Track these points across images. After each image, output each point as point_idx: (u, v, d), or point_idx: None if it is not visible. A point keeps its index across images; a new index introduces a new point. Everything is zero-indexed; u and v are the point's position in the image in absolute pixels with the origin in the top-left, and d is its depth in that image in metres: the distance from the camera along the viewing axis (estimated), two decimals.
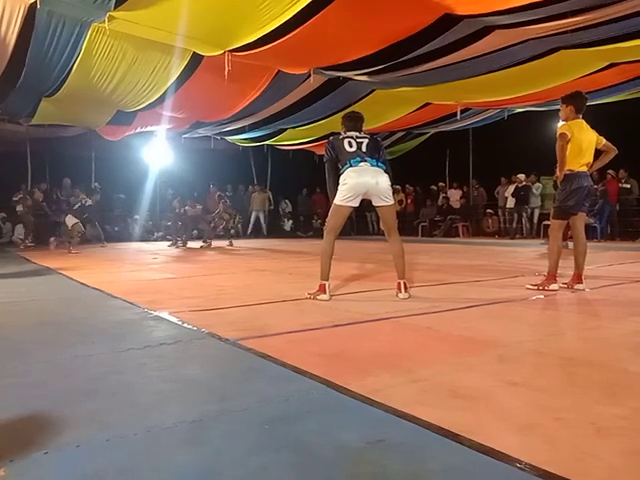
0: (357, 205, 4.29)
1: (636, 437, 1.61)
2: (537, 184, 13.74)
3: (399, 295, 4.23)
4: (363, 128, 4.54)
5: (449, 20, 6.23)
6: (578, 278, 4.72)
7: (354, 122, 4.52)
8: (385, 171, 4.28)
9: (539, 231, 13.23)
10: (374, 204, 4.31)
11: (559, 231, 4.81)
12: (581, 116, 4.77)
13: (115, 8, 5.95)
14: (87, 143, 14.03)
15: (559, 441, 1.58)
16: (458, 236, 14.78)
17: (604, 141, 4.74)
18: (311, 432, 1.66)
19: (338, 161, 4.34)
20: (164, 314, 3.61)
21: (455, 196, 15.72)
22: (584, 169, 4.67)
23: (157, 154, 14.56)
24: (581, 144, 4.62)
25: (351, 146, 4.28)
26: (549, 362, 2.46)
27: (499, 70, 8.31)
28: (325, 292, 4.23)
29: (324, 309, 3.83)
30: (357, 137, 4.35)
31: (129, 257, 9.56)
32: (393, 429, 1.68)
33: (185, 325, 3.26)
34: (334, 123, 12.26)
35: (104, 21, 6.23)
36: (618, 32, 6.64)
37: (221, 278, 5.99)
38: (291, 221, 17.79)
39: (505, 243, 12.05)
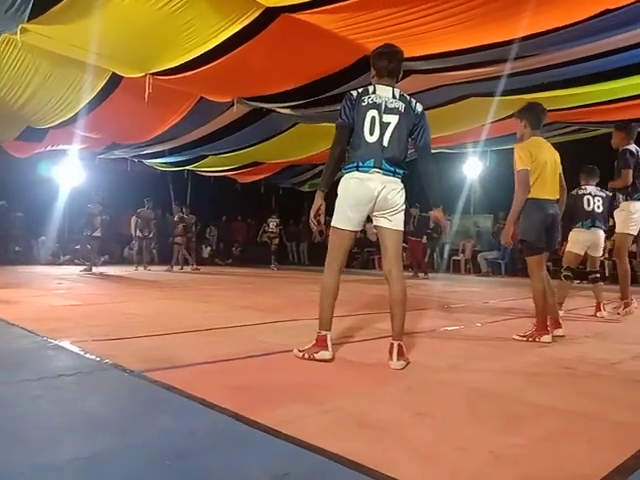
0: (360, 229, 3.16)
1: (530, 463, 1.70)
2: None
3: (390, 363, 2.93)
4: (400, 73, 3.12)
5: (369, 62, 6.50)
6: (556, 323, 4.16)
7: (389, 62, 3.02)
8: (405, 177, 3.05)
9: (449, 266, 14.89)
10: (375, 224, 3.12)
11: (538, 269, 4.00)
12: (539, 133, 4.05)
13: (29, 20, 5.69)
14: None
15: (460, 470, 1.63)
16: (374, 268, 15.15)
17: (559, 174, 4.09)
18: (215, 467, 1.60)
19: (352, 131, 3.00)
20: (65, 343, 3.39)
21: (372, 229, 16.17)
22: (549, 197, 3.93)
23: (68, 173, 13.88)
24: (544, 167, 3.87)
25: (372, 131, 2.94)
26: (455, 393, 2.55)
27: None
28: (326, 348, 3.03)
29: (238, 340, 3.76)
30: (386, 108, 2.96)
31: (32, 281, 8.94)
32: (299, 462, 1.66)
33: (87, 355, 3.08)
34: (257, 152, 12.34)
35: (16, 32, 5.93)
36: (523, 84, 7.22)
37: (130, 306, 5.73)
38: (209, 248, 17.40)
39: (419, 277, 12.47)
